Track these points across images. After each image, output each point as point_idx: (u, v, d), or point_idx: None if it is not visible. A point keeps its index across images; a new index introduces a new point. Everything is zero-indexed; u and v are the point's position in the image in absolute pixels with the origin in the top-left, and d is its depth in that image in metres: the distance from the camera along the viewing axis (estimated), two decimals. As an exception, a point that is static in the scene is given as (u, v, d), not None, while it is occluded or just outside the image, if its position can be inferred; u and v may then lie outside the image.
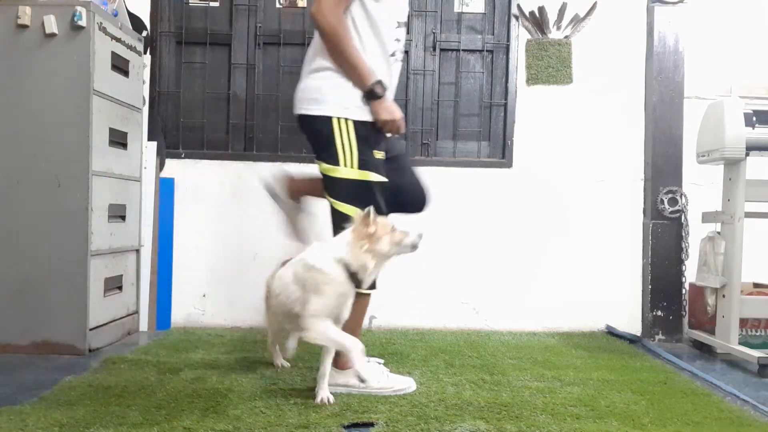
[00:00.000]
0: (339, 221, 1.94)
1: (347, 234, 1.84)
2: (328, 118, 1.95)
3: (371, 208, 1.81)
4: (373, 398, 1.89)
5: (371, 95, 1.94)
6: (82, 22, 2.40)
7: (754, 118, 2.55)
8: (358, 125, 1.95)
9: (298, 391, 1.97)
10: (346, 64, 1.93)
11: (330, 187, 1.98)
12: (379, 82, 1.95)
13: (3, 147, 2.43)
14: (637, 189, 3.16)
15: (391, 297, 3.11)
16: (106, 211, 2.57)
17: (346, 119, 1.94)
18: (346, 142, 1.93)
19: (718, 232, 2.71)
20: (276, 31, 3.17)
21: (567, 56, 3.14)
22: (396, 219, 1.95)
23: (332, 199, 1.97)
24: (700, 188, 3.09)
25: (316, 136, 2.01)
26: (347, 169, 1.93)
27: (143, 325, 2.93)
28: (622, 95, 3.17)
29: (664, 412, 1.86)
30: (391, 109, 1.97)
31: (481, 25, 3.25)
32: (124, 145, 2.71)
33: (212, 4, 3.19)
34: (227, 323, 3.08)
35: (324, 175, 2.00)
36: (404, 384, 2.01)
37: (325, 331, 1.81)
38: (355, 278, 1.83)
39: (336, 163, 1.94)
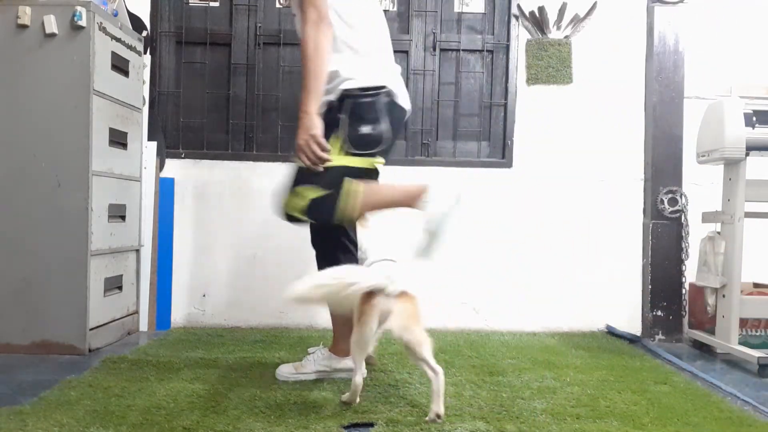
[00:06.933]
0: None
1: None
2: None
3: None
4: (373, 398, 1.90)
5: None
6: (82, 22, 2.40)
7: (754, 118, 2.55)
8: None
9: (298, 391, 1.97)
10: None
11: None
12: None
13: (3, 147, 2.43)
14: (637, 189, 3.16)
15: (391, 297, 3.11)
16: (106, 211, 2.57)
17: None
18: None
19: (718, 232, 2.71)
20: (276, 31, 3.17)
21: (567, 56, 3.14)
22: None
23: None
24: (700, 188, 3.09)
25: None
26: None
27: (143, 325, 2.93)
28: (622, 95, 3.17)
29: (664, 412, 1.86)
30: None
31: (481, 25, 3.25)
32: (124, 145, 2.71)
33: (212, 4, 3.19)
34: (227, 323, 3.08)
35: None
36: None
37: None
38: None
39: None
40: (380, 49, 2.05)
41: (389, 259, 1.96)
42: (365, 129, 1.86)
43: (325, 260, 2.05)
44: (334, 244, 2.06)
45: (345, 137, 1.87)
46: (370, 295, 1.72)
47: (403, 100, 2.04)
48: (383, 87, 1.92)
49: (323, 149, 1.83)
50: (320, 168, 1.86)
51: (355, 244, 2.11)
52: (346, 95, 1.88)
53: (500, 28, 3.23)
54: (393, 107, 1.96)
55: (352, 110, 1.87)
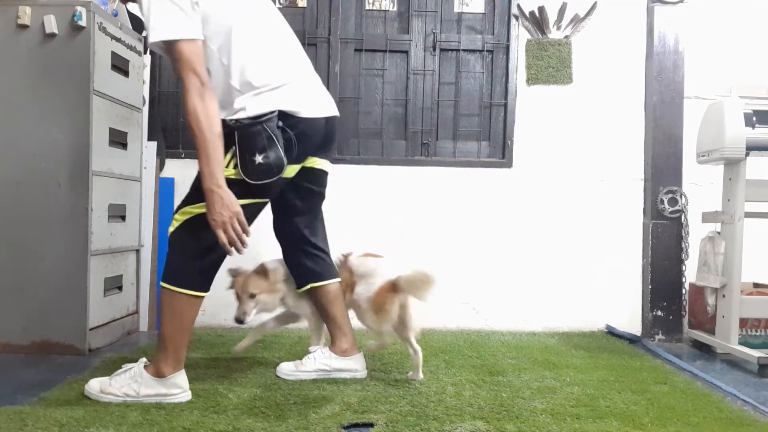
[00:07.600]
0: None
1: None
2: None
3: None
4: (373, 398, 1.90)
5: None
6: (82, 22, 2.40)
7: (754, 118, 2.55)
8: None
9: (298, 390, 1.97)
10: None
11: None
12: None
13: (3, 147, 2.42)
14: (637, 189, 3.16)
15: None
16: (106, 211, 2.57)
17: None
18: None
19: (718, 232, 2.71)
20: (276, 31, 3.17)
21: (567, 56, 3.14)
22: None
23: None
24: (700, 188, 3.09)
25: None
26: None
27: (143, 325, 2.93)
28: (622, 95, 3.17)
29: (664, 412, 1.86)
30: None
31: (481, 25, 3.25)
32: (124, 145, 2.71)
33: (212, 4, 3.18)
34: (227, 323, 3.07)
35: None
36: None
37: None
38: None
39: None
40: (272, 59, 1.98)
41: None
42: (258, 158, 1.85)
43: (292, 267, 2.26)
44: (299, 252, 2.22)
45: (239, 170, 1.86)
46: (393, 289, 2.10)
47: (313, 108, 1.98)
48: (272, 112, 1.88)
49: (245, 230, 1.86)
50: (240, 250, 1.91)
51: (320, 249, 2.22)
52: (235, 127, 1.85)
53: (500, 28, 3.23)
54: (294, 124, 1.92)
55: (239, 141, 1.85)
